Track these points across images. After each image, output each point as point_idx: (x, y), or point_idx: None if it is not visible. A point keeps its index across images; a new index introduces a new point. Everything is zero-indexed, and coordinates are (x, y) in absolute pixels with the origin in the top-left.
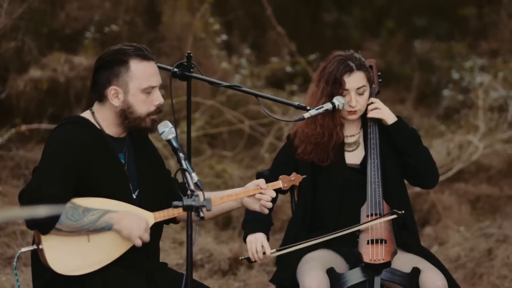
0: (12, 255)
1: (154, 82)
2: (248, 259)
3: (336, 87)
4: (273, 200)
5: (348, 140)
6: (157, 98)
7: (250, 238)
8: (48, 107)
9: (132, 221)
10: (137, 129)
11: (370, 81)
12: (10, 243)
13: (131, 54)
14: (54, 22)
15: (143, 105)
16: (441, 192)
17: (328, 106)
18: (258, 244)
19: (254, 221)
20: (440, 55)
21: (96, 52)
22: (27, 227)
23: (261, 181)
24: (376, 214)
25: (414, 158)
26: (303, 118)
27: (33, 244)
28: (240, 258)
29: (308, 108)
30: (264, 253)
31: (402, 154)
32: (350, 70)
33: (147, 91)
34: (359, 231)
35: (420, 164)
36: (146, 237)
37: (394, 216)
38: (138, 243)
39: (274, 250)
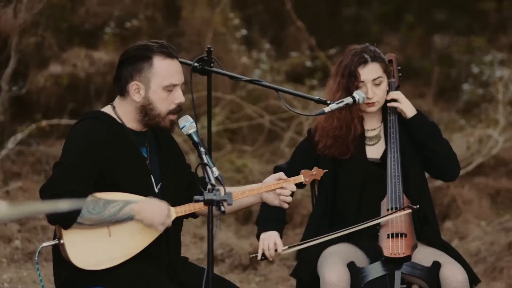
0: (33, 250)
1: (176, 80)
2: (257, 256)
3: (352, 80)
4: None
5: (369, 134)
6: (178, 96)
7: (264, 236)
8: (68, 103)
9: (153, 208)
10: (156, 127)
11: (387, 72)
12: (31, 238)
13: (155, 51)
14: (74, 18)
15: (163, 103)
16: (461, 186)
17: (348, 100)
18: (271, 241)
19: (268, 220)
20: (459, 49)
21: (116, 48)
22: (48, 222)
23: (281, 174)
24: (396, 208)
25: (434, 151)
26: (324, 112)
27: (54, 239)
28: (250, 256)
29: (328, 102)
30: (275, 250)
31: (422, 148)
32: (365, 62)
33: (169, 88)
34: (379, 225)
35: (441, 156)
36: (168, 221)
37: (409, 210)
38: (161, 229)
39: (286, 247)
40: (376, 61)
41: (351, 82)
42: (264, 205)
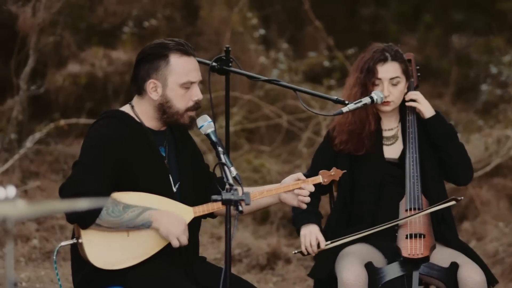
0: (51, 249)
1: (193, 77)
2: (301, 252)
3: (369, 76)
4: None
5: (386, 134)
6: (196, 93)
7: (305, 231)
8: (87, 102)
9: (171, 220)
10: (175, 124)
11: (406, 74)
12: (49, 237)
13: (171, 49)
14: (93, 17)
15: (181, 100)
16: (479, 187)
17: (366, 100)
18: (312, 237)
19: (305, 213)
20: (478, 50)
21: (134, 47)
22: (67, 221)
23: (300, 174)
24: (415, 209)
25: (449, 153)
26: (342, 113)
27: (72, 238)
28: (293, 252)
29: (346, 102)
30: (318, 246)
31: (438, 149)
32: (384, 60)
33: (186, 86)
34: (397, 225)
35: (454, 160)
36: (184, 239)
37: (453, 202)
38: (175, 243)
39: (329, 242)
40: (396, 60)
41: (368, 78)
42: None
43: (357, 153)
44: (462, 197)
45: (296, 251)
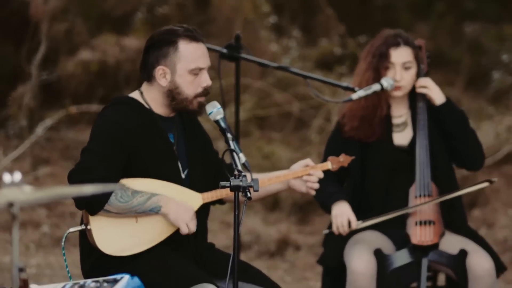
0: (61, 236)
1: (202, 63)
2: (332, 232)
3: (382, 59)
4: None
5: (396, 120)
6: (205, 80)
7: (336, 211)
8: (98, 89)
9: (179, 207)
10: (184, 111)
11: (417, 59)
12: (59, 223)
13: (180, 35)
14: (104, 4)
15: (190, 86)
16: (489, 174)
17: (376, 87)
18: (344, 218)
19: (333, 193)
20: (490, 38)
21: (146, 34)
22: (76, 208)
23: (308, 160)
24: (425, 196)
25: (460, 140)
26: (351, 99)
27: (81, 224)
28: (323, 232)
29: (356, 89)
30: (349, 225)
31: (449, 136)
32: (397, 44)
33: (195, 72)
34: (407, 213)
35: (466, 146)
36: (192, 226)
37: (486, 184)
38: (184, 229)
39: (360, 221)
40: (408, 45)
41: (381, 62)
42: (323, 181)
43: (368, 140)
44: (496, 179)
45: (327, 231)
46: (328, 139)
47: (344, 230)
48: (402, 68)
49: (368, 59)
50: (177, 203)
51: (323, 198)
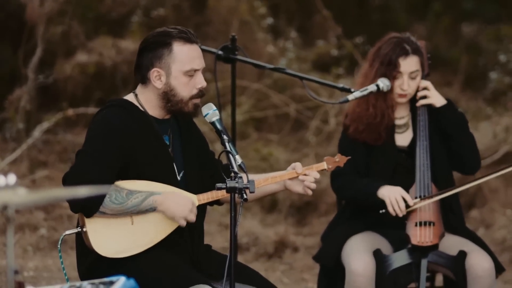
0: (59, 238)
1: (196, 65)
2: (388, 213)
3: (390, 68)
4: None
5: (398, 122)
6: (200, 81)
7: (386, 192)
8: (95, 91)
9: (176, 201)
10: (179, 113)
11: (422, 66)
12: (57, 226)
13: (174, 37)
14: (101, 6)
15: (185, 88)
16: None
17: (372, 88)
18: (397, 195)
19: (371, 181)
20: (487, 38)
21: (142, 36)
22: (71, 211)
23: (297, 164)
24: (425, 197)
25: (458, 142)
26: (347, 100)
27: (77, 227)
28: (380, 211)
29: (352, 90)
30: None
31: (447, 138)
32: (406, 54)
33: (190, 74)
34: (408, 213)
35: (463, 149)
36: (191, 217)
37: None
38: (183, 223)
39: (418, 199)
40: (416, 54)
41: (389, 71)
42: (350, 180)
43: (375, 143)
44: None
45: (383, 210)
46: (339, 140)
47: (401, 207)
48: (409, 77)
49: (376, 65)
50: (174, 198)
51: (365, 190)
